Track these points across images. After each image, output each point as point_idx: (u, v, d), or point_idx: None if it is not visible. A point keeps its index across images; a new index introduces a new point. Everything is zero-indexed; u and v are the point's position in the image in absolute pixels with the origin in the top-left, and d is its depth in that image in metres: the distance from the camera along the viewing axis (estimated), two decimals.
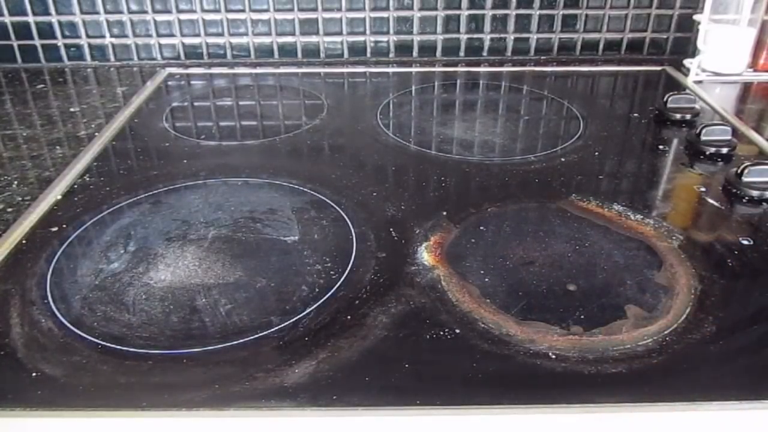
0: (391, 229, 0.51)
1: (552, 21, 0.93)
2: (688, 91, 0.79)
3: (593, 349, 0.38)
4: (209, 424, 0.34)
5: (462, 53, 0.96)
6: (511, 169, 0.62)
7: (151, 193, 0.57)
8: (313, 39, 0.94)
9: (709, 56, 0.84)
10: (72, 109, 0.79)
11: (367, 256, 0.47)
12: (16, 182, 0.60)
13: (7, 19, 0.91)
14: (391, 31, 0.93)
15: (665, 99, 0.72)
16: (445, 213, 0.53)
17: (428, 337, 0.39)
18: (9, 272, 0.46)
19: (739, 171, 0.56)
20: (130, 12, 0.91)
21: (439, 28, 0.94)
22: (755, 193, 0.55)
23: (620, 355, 0.38)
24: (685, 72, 0.87)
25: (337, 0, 0.91)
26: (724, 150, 0.63)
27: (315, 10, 0.92)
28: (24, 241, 0.50)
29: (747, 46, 0.84)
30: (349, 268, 0.46)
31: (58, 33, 0.93)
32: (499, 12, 0.92)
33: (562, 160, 0.63)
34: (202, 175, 0.61)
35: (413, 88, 0.86)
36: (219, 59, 0.95)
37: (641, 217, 0.52)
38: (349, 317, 0.41)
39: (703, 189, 0.57)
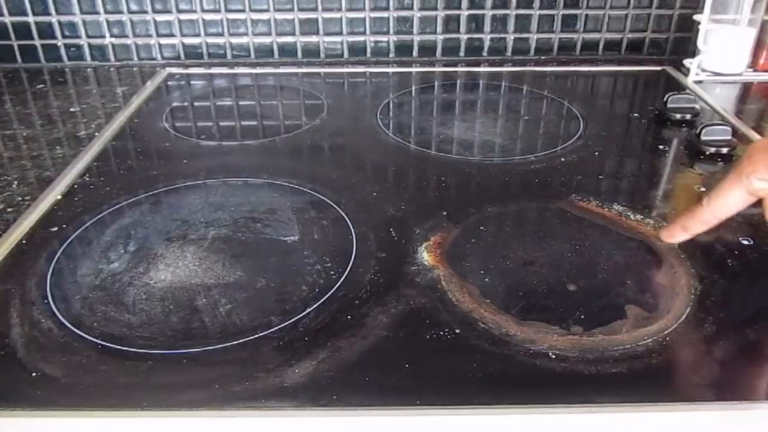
0: (391, 229, 0.51)
1: (552, 21, 0.93)
2: (688, 91, 0.79)
3: (593, 349, 0.38)
4: (209, 424, 0.34)
5: (462, 53, 0.96)
6: (511, 169, 0.62)
7: (151, 193, 0.57)
8: (313, 39, 0.94)
9: (709, 56, 0.84)
10: (72, 109, 0.79)
11: (367, 256, 0.47)
12: (16, 182, 0.60)
13: (7, 19, 0.91)
14: (391, 31, 0.93)
15: (665, 99, 0.72)
16: (445, 213, 0.53)
17: (428, 337, 0.39)
18: (9, 272, 0.46)
19: None
20: (130, 12, 0.91)
21: (439, 28, 0.94)
22: None
23: (620, 355, 0.38)
24: (685, 72, 0.87)
25: (337, 0, 0.91)
26: (724, 150, 0.63)
27: (315, 10, 0.92)
28: (24, 241, 0.50)
29: (747, 46, 0.84)
30: (349, 268, 0.46)
31: (58, 33, 0.93)
32: (499, 12, 0.92)
33: (562, 160, 0.63)
34: (202, 175, 0.61)
35: (413, 88, 0.86)
36: (219, 59, 0.95)
37: (641, 217, 0.52)
38: (349, 317, 0.41)
39: (703, 189, 0.57)
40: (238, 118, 0.77)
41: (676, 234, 0.44)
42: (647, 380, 0.36)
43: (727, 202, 0.40)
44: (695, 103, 0.72)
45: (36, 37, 0.93)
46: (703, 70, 0.85)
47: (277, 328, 0.40)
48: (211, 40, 0.94)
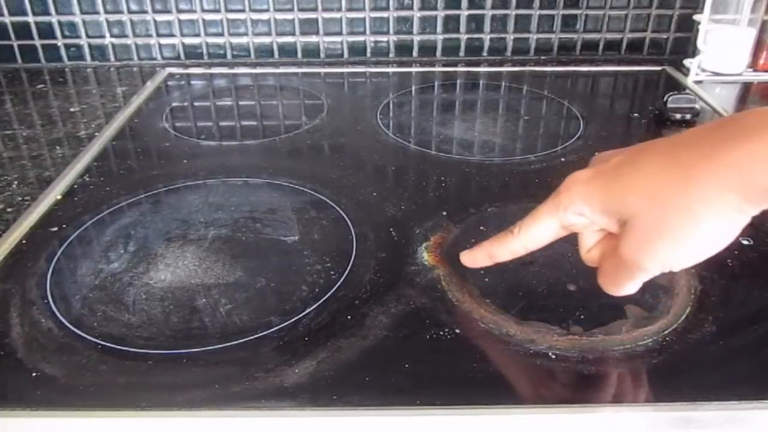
0: (391, 229, 0.51)
1: (552, 21, 0.93)
2: (688, 91, 0.79)
3: (593, 349, 0.38)
4: (209, 424, 0.34)
5: (462, 53, 0.96)
6: (511, 169, 0.62)
7: (151, 193, 0.57)
8: (313, 39, 0.94)
9: (709, 56, 0.84)
10: (72, 109, 0.79)
11: (367, 256, 0.47)
12: (16, 182, 0.60)
13: (7, 19, 0.91)
14: (391, 31, 0.93)
15: (665, 99, 0.72)
16: (445, 213, 0.53)
17: (428, 337, 0.39)
18: (9, 272, 0.46)
19: None
20: (130, 12, 0.91)
21: (439, 28, 0.94)
22: None
23: (620, 355, 0.38)
24: (685, 72, 0.87)
25: (337, 0, 0.91)
26: None
27: (315, 10, 0.92)
28: (24, 241, 0.50)
29: (747, 46, 0.84)
30: (349, 268, 0.46)
31: (58, 33, 0.93)
32: (499, 12, 0.92)
33: (562, 160, 0.63)
34: (202, 175, 0.61)
35: (413, 88, 0.86)
36: (219, 59, 0.95)
37: None
38: (349, 317, 0.41)
39: None
40: (238, 118, 0.77)
41: (479, 260, 0.41)
42: (647, 380, 0.36)
43: (539, 233, 0.37)
44: (695, 103, 0.72)
45: (36, 37, 0.93)
46: (703, 70, 0.85)
47: (277, 328, 0.40)
48: (211, 40, 0.94)
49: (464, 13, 0.92)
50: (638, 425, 0.34)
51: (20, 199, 0.57)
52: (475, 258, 0.41)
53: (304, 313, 0.41)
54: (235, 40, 0.94)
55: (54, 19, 0.92)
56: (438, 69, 0.92)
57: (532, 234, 0.37)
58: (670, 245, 0.32)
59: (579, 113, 0.76)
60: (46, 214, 0.54)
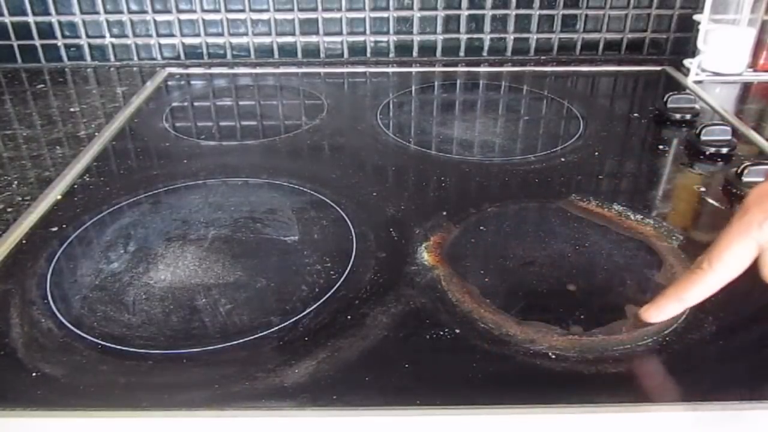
0: (391, 229, 0.51)
1: (552, 21, 0.93)
2: (688, 91, 0.79)
3: (593, 349, 0.38)
4: (209, 424, 0.34)
5: (462, 53, 0.96)
6: (511, 169, 0.62)
7: (151, 193, 0.57)
8: (313, 39, 0.94)
9: (709, 56, 0.84)
10: (72, 109, 0.79)
11: (367, 256, 0.47)
12: (16, 182, 0.60)
13: (7, 19, 0.91)
14: (391, 31, 0.93)
15: (665, 99, 0.72)
16: (445, 213, 0.53)
17: (428, 337, 0.39)
18: (9, 272, 0.46)
19: (739, 171, 0.56)
20: (130, 12, 0.91)
21: (439, 28, 0.94)
22: None
23: (620, 355, 0.38)
24: (685, 72, 0.87)
25: (337, 0, 0.91)
26: (724, 150, 0.63)
27: (315, 10, 0.92)
28: (24, 241, 0.50)
29: (747, 46, 0.84)
30: (349, 268, 0.46)
31: (58, 33, 0.93)
32: (499, 12, 0.92)
33: (562, 160, 0.63)
34: (202, 175, 0.61)
35: (413, 88, 0.86)
36: (219, 59, 0.95)
37: (641, 217, 0.52)
38: (349, 317, 0.41)
39: (703, 189, 0.57)
40: (238, 118, 0.77)
41: (669, 310, 0.37)
42: (647, 380, 0.36)
43: (735, 260, 0.33)
44: (695, 103, 0.72)
45: (36, 37, 0.93)
46: (703, 70, 0.85)
47: (277, 328, 0.40)
48: (211, 40, 0.94)
49: (464, 13, 0.92)
50: (638, 425, 0.34)
51: (20, 199, 0.57)
52: (663, 309, 0.37)
53: (304, 313, 0.41)
54: (235, 40, 0.94)
55: (54, 19, 0.92)
56: (438, 69, 0.92)
57: (728, 263, 0.34)
58: None
59: (579, 113, 0.76)
60: (46, 214, 0.54)
